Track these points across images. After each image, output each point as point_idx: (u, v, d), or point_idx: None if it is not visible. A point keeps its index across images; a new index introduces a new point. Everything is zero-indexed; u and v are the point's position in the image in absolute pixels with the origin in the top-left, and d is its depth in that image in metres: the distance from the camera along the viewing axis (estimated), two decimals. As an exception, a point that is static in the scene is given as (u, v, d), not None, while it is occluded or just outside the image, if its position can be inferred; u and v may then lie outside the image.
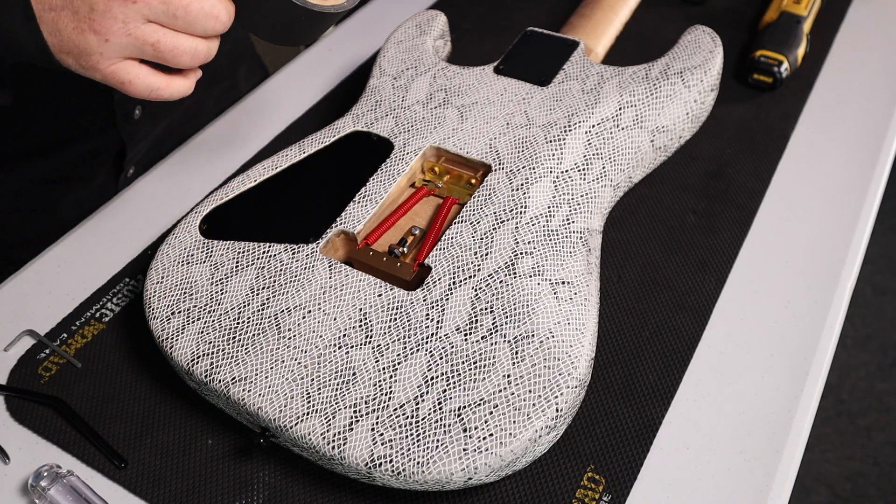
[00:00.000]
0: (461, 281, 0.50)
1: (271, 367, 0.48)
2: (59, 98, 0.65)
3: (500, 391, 0.44)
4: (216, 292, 0.52)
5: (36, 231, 0.70)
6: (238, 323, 0.50)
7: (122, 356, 0.56)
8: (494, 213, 0.54)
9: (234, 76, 0.83)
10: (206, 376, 0.48)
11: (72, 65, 0.46)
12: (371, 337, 0.48)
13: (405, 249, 0.54)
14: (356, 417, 0.45)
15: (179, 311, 0.51)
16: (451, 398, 0.44)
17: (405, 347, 0.47)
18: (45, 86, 0.64)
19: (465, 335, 0.47)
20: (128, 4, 0.42)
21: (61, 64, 0.46)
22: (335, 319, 0.49)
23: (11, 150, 0.67)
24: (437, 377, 0.45)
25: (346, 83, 0.79)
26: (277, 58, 1.18)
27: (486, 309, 0.48)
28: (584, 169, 0.57)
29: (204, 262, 0.54)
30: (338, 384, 0.46)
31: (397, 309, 0.49)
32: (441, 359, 0.46)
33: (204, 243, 0.55)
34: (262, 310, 0.50)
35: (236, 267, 0.53)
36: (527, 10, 0.87)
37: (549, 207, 0.54)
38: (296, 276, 0.52)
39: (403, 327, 0.48)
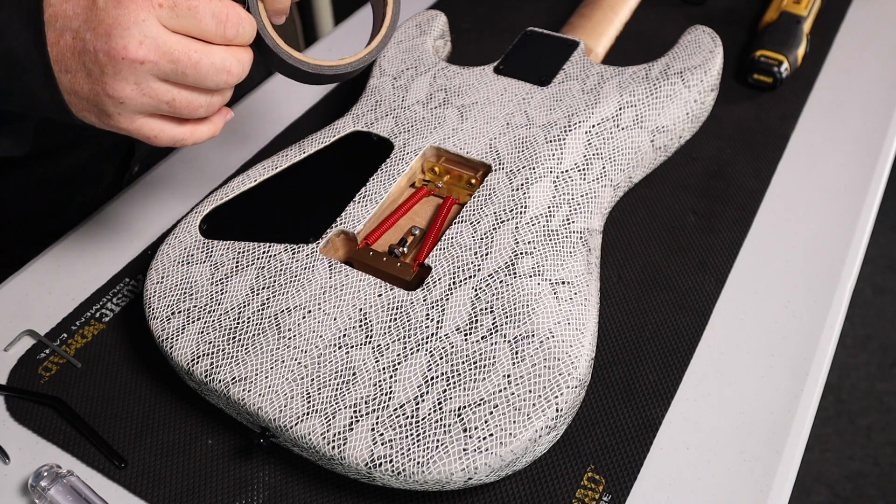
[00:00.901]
0: (461, 281, 0.50)
1: (271, 367, 0.48)
2: None
3: (500, 391, 0.44)
4: (216, 292, 0.52)
5: (42, 232, 0.70)
6: (238, 323, 0.50)
7: (122, 356, 0.56)
8: (494, 213, 0.54)
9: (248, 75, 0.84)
10: (206, 376, 0.48)
11: (94, 122, 0.46)
12: (371, 337, 0.48)
13: (405, 249, 0.54)
14: (356, 417, 0.45)
15: (179, 311, 0.51)
16: (451, 398, 0.44)
17: (405, 347, 0.47)
18: None
19: (466, 335, 0.47)
20: (136, 65, 0.42)
21: (84, 121, 0.46)
22: (335, 319, 0.49)
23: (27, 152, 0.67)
24: (437, 377, 0.45)
25: (346, 83, 0.79)
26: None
27: (486, 309, 0.48)
28: (584, 169, 0.57)
29: (204, 262, 0.54)
30: (338, 384, 0.46)
31: (397, 309, 0.49)
32: (441, 359, 0.46)
33: (204, 243, 0.55)
34: (262, 310, 0.50)
35: (236, 267, 0.53)
36: (527, 10, 0.87)
37: (549, 207, 0.54)
38: (296, 276, 0.52)
39: (403, 327, 0.48)
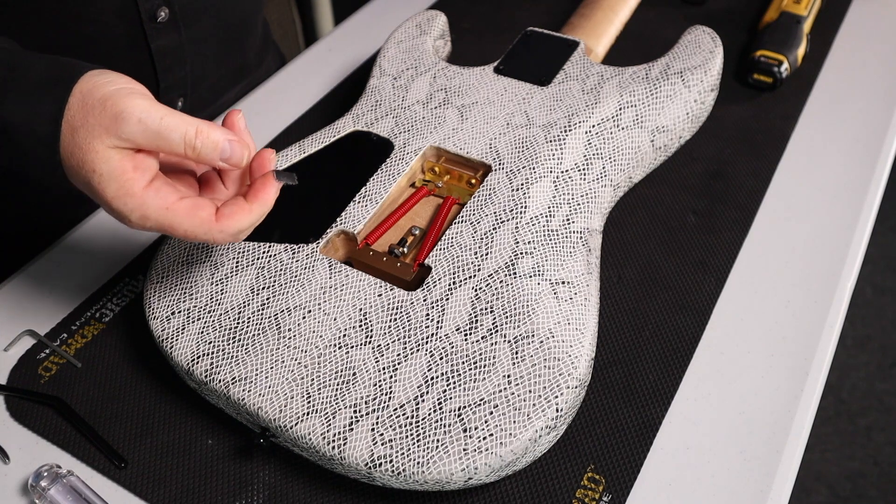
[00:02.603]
0: (461, 281, 0.50)
1: (271, 367, 0.48)
2: None
3: (501, 391, 0.44)
4: (216, 292, 0.52)
5: (43, 232, 0.70)
6: (238, 323, 0.50)
7: (122, 356, 0.56)
8: (494, 213, 0.54)
9: (260, 66, 0.85)
10: (206, 376, 0.48)
11: None
12: (371, 337, 0.48)
13: (405, 249, 0.54)
14: (356, 417, 0.45)
15: (179, 311, 0.51)
16: (451, 398, 0.44)
17: (405, 347, 0.47)
18: (100, 63, 0.65)
19: (466, 335, 0.47)
20: (130, 215, 0.43)
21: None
22: (335, 319, 0.49)
23: None
24: (437, 377, 0.45)
25: (346, 83, 0.79)
26: (287, 47, 1.18)
27: (486, 309, 0.48)
28: (584, 169, 0.57)
29: (204, 262, 0.54)
30: (338, 384, 0.46)
31: (397, 309, 0.49)
32: (441, 359, 0.46)
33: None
34: (262, 310, 0.50)
35: (236, 267, 0.53)
36: (527, 10, 0.87)
37: (549, 207, 0.54)
38: (296, 276, 0.52)
39: (403, 327, 0.48)
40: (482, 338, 0.47)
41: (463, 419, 0.43)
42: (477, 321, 0.48)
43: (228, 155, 0.44)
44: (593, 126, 0.59)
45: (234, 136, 0.44)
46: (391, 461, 0.43)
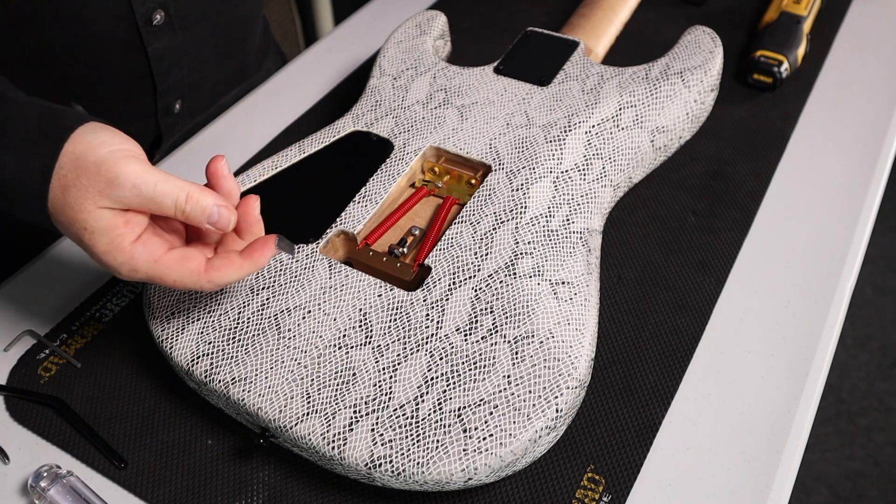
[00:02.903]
0: (461, 281, 0.50)
1: (271, 368, 0.48)
2: (102, 85, 0.67)
3: (500, 391, 0.44)
4: (216, 293, 0.52)
5: (43, 232, 0.70)
6: (238, 323, 0.50)
7: (122, 356, 0.56)
8: (494, 213, 0.54)
9: (260, 68, 0.85)
10: (206, 376, 0.48)
11: None
12: (371, 337, 0.48)
13: (405, 250, 0.54)
14: (356, 418, 0.45)
15: (179, 311, 0.51)
16: (451, 398, 0.44)
17: (405, 348, 0.47)
18: (89, 73, 0.65)
19: (465, 335, 0.47)
20: (119, 269, 0.44)
21: None
22: (335, 320, 0.49)
23: None
24: (437, 377, 0.45)
25: (346, 83, 0.79)
26: (287, 47, 1.18)
27: (486, 309, 0.48)
28: (584, 169, 0.57)
29: (204, 262, 0.54)
30: (338, 384, 0.46)
31: (397, 309, 0.49)
32: (441, 359, 0.46)
33: (204, 243, 0.55)
34: (262, 310, 0.50)
35: (236, 267, 0.53)
36: (527, 10, 0.87)
37: (549, 208, 0.54)
38: (296, 277, 0.52)
39: (403, 327, 0.48)
40: (482, 338, 0.47)
41: (463, 419, 0.43)
42: (477, 321, 0.48)
43: (216, 220, 0.45)
44: (593, 126, 0.59)
45: (223, 201, 0.45)
46: (391, 461, 0.43)
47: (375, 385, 0.46)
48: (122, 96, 0.68)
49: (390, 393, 0.45)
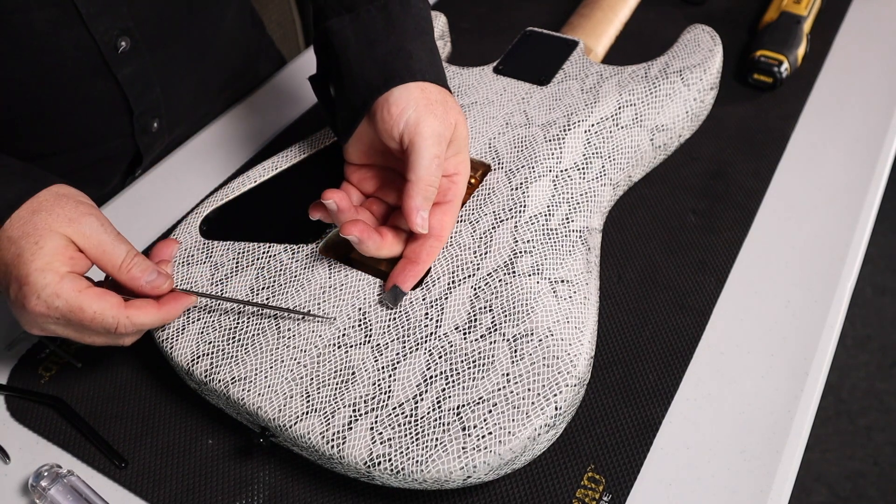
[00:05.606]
0: (460, 280, 0.50)
1: (271, 367, 0.48)
2: (76, 111, 0.66)
3: (500, 390, 0.44)
4: (216, 293, 0.52)
5: None
6: (238, 323, 0.50)
7: (122, 356, 0.56)
8: (494, 212, 0.54)
9: (253, 69, 0.84)
10: (206, 376, 0.48)
11: None
12: (370, 336, 0.48)
13: (405, 249, 0.54)
14: (355, 416, 0.45)
15: (179, 311, 0.51)
16: (450, 397, 0.44)
17: (404, 346, 0.47)
18: (61, 98, 0.64)
19: (465, 334, 0.47)
20: (34, 316, 0.46)
21: None
22: (334, 319, 0.49)
23: (33, 149, 0.68)
24: (436, 376, 0.45)
25: (346, 83, 0.79)
26: (287, 47, 1.17)
27: (485, 308, 0.48)
28: (583, 168, 0.57)
29: (204, 262, 0.54)
30: (337, 383, 0.46)
31: (396, 308, 0.49)
32: (440, 358, 0.46)
33: (204, 244, 0.55)
34: (262, 310, 0.50)
35: (236, 267, 0.53)
36: (527, 10, 0.87)
37: (548, 206, 0.54)
38: (295, 277, 0.52)
39: (402, 326, 0.48)
40: (481, 336, 0.47)
41: (462, 418, 0.43)
42: (476, 320, 0.48)
43: (153, 278, 0.48)
44: (592, 125, 0.59)
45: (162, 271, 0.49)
46: (390, 460, 0.43)
47: (375, 384, 0.46)
48: (97, 119, 0.68)
49: (389, 392, 0.45)
